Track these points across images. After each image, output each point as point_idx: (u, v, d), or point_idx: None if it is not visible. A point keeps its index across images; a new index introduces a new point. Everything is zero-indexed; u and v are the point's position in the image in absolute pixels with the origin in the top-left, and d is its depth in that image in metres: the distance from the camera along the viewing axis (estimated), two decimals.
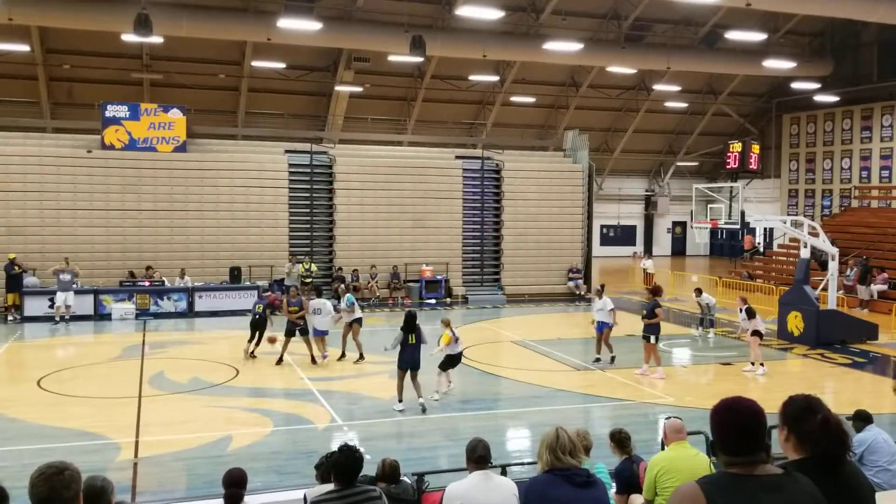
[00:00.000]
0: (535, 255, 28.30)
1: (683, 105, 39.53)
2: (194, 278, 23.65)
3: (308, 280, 24.56)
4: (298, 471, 9.67)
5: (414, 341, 12.82)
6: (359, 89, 33.17)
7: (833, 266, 19.96)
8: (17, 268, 21.90)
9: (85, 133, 26.27)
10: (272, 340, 16.51)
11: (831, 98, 35.79)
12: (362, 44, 29.69)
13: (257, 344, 16.80)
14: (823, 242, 20.18)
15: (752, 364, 16.17)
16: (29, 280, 22.14)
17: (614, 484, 7.05)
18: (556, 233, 28.52)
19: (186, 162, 25.06)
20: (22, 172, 23.58)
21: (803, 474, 2.94)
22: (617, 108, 39.77)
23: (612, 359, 16.53)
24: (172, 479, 9.98)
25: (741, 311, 16.60)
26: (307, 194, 26.28)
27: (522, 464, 9.17)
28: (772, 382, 15.26)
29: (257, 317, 16.94)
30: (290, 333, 16.34)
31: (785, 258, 32.33)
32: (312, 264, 24.88)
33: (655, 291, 16.26)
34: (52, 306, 21.15)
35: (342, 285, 24.98)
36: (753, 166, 37.88)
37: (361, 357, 16.54)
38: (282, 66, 31.36)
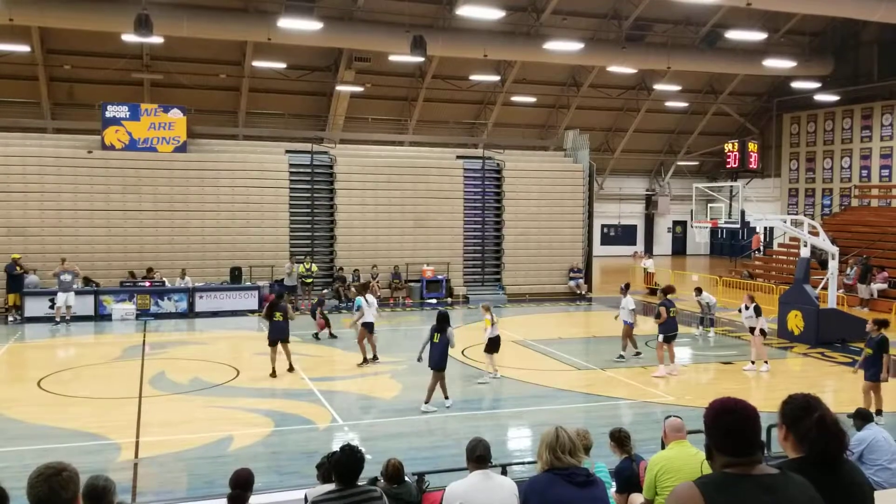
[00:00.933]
0: (535, 254, 28.31)
1: (684, 105, 39.52)
2: (195, 278, 23.66)
3: (309, 280, 24.59)
4: (299, 471, 9.68)
5: (438, 340, 12.81)
6: (359, 89, 33.17)
7: (833, 265, 19.96)
8: (18, 268, 21.91)
9: (85, 133, 26.28)
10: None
11: (831, 97, 35.77)
12: (363, 44, 29.69)
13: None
14: (823, 241, 20.17)
15: (753, 363, 16.22)
16: (30, 279, 22.12)
17: (614, 483, 7.05)
18: (557, 232, 28.53)
19: (187, 162, 25.07)
20: (22, 173, 23.59)
21: (801, 473, 2.95)
22: (617, 107, 39.77)
23: (637, 354, 17.02)
24: (173, 480, 9.99)
25: (746, 307, 16.52)
26: (308, 194, 26.29)
27: (523, 463, 9.18)
28: (772, 381, 15.27)
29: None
30: (274, 343, 15.35)
31: (785, 257, 32.33)
32: (313, 264, 24.89)
33: (666, 290, 16.42)
34: (52, 307, 21.17)
35: (344, 285, 25.09)
36: (753, 166, 37.91)
37: (364, 360, 16.23)
38: (282, 66, 31.36)
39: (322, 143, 28.11)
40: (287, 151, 26.87)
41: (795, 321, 19.17)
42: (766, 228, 36.55)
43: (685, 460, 6.21)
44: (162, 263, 24.01)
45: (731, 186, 22.83)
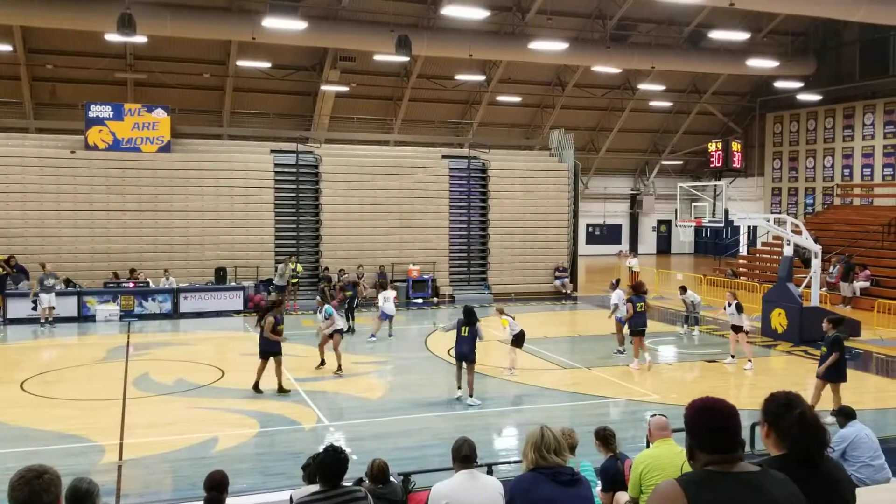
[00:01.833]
0: (521, 254, 28.37)
1: (668, 104, 39.74)
2: (179, 279, 23.54)
3: (294, 280, 24.51)
4: (285, 472, 9.65)
5: (466, 334, 13.19)
6: (345, 89, 33.12)
7: (816, 263, 20.10)
8: (1, 269, 21.71)
9: (68, 133, 26.10)
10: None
11: (814, 97, 36.06)
12: (348, 43, 29.64)
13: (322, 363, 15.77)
14: (806, 240, 20.32)
15: (733, 357, 16.56)
16: (22, 285, 21.89)
17: (599, 482, 7.08)
18: (543, 232, 28.61)
19: (171, 162, 24.92)
20: (4, 174, 23.37)
21: (783, 470, 2.98)
22: (602, 107, 39.92)
23: (620, 351, 17.50)
24: (157, 482, 9.93)
25: (729, 304, 16.76)
26: (293, 194, 26.21)
27: (508, 462, 9.20)
28: (755, 379, 15.37)
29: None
30: (265, 355, 13.98)
31: (769, 256, 32.56)
32: (298, 264, 24.81)
33: (636, 288, 16.72)
34: (35, 308, 20.99)
35: (329, 285, 25.02)
36: (737, 165, 38.15)
37: (340, 368, 15.37)
38: (267, 65, 31.25)
39: (307, 143, 28.04)
40: (272, 151, 26.77)
41: (779, 319, 19.31)
42: (748, 227, 36.80)
43: (670, 458, 6.24)
44: (146, 264, 23.86)
45: (715, 185, 22.98)
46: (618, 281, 19.06)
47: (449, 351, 16.18)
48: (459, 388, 13.47)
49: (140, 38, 25.17)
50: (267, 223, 25.63)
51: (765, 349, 18.41)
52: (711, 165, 38.69)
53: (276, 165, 26.07)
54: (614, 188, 45.15)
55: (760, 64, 32.57)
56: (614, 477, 7.00)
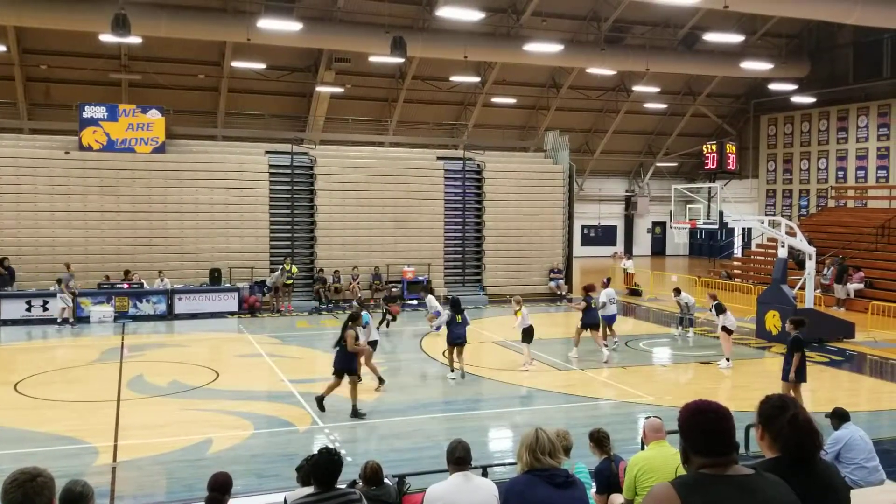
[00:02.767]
0: (516, 255, 28.37)
1: (662, 106, 39.80)
2: (174, 280, 23.49)
3: (290, 282, 24.48)
4: (279, 473, 9.63)
5: (461, 320, 15.03)
6: (339, 90, 33.09)
7: (810, 265, 20.16)
8: None
9: (62, 134, 26.00)
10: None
11: (808, 99, 36.17)
12: (343, 44, 29.62)
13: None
14: (801, 242, 20.38)
15: (728, 360, 16.64)
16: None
17: (594, 484, 7.08)
18: (538, 233, 28.62)
19: (165, 163, 24.87)
20: None
21: (777, 473, 2.98)
22: (597, 109, 39.96)
23: (606, 346, 17.79)
24: (151, 483, 9.90)
25: (711, 308, 17.17)
26: (288, 195, 26.18)
27: (503, 464, 9.20)
28: (750, 381, 15.40)
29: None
30: (341, 374, 12.71)
31: (763, 258, 32.62)
32: (293, 266, 24.78)
33: (588, 289, 17.60)
34: (29, 309, 20.98)
35: (324, 286, 25.03)
36: (731, 167, 38.24)
37: (381, 382, 14.36)
38: (262, 66, 31.20)
39: (302, 144, 28.02)
40: (267, 152, 26.74)
41: (773, 321, 19.35)
42: (743, 229, 36.90)
43: (665, 460, 6.25)
44: (140, 265, 23.80)
45: (710, 187, 23.01)
46: (609, 279, 19.41)
47: (443, 353, 16.18)
48: (453, 370, 15.13)
49: (135, 39, 25.11)
50: (262, 224, 25.59)
51: (759, 351, 18.46)
52: (706, 167, 38.78)
53: (271, 166, 26.04)
54: (609, 190, 45.21)
55: (755, 66, 32.66)
56: (609, 479, 7.00)
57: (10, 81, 29.96)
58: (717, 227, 22.02)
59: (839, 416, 8.51)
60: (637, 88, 36.46)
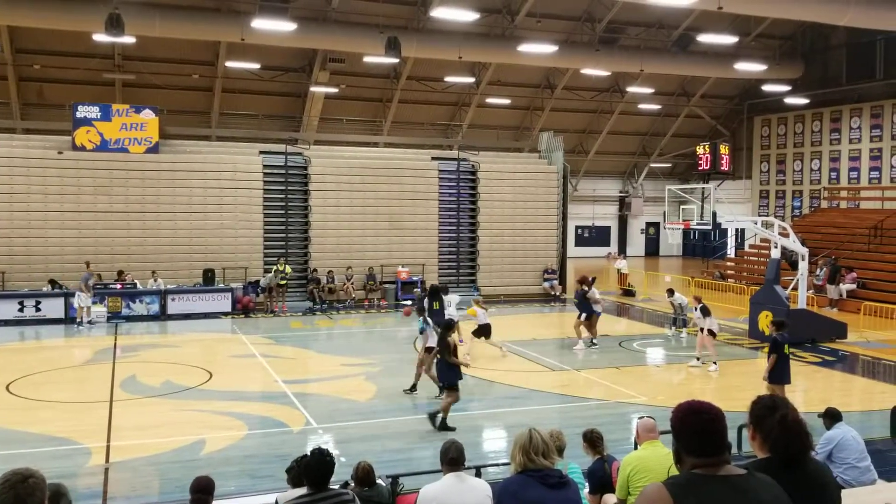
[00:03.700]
0: (510, 255, 28.39)
1: (656, 107, 39.88)
2: (167, 280, 23.44)
3: (283, 282, 24.44)
4: (272, 474, 9.60)
5: (438, 307, 15.91)
6: (334, 90, 33.07)
7: (803, 266, 20.23)
8: None
9: (56, 134, 25.93)
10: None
11: (801, 100, 36.29)
12: (337, 45, 29.60)
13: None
14: (794, 243, 20.45)
15: (698, 359, 16.75)
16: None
17: (587, 484, 7.09)
18: (532, 234, 28.64)
19: (159, 163, 24.81)
20: None
21: (768, 472, 2.99)
22: (591, 109, 40.02)
23: (593, 344, 18.40)
24: (144, 484, 9.88)
25: (695, 309, 17.24)
26: (282, 195, 26.14)
27: (497, 465, 9.20)
28: (743, 382, 15.42)
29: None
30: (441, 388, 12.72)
31: (756, 258, 32.71)
32: (287, 266, 24.75)
33: (581, 281, 18.54)
34: (21, 309, 20.91)
35: (318, 286, 25.01)
36: (725, 167, 38.33)
37: (442, 389, 13.06)
38: (256, 66, 31.17)
39: (296, 144, 27.99)
40: (261, 152, 26.71)
41: (766, 321, 19.36)
42: (736, 230, 36.98)
43: (658, 460, 6.26)
44: (133, 265, 23.74)
45: (703, 188, 23.10)
46: (594, 278, 20.00)
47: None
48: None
49: (128, 39, 25.06)
50: (255, 224, 25.55)
51: (752, 351, 18.50)
52: (700, 168, 38.85)
53: (265, 167, 26.00)
54: (603, 190, 45.28)
55: (748, 67, 32.76)
56: (602, 479, 7.02)
57: (3, 81, 29.85)
58: (710, 227, 22.08)
59: (831, 416, 8.53)
60: (631, 89, 36.54)
